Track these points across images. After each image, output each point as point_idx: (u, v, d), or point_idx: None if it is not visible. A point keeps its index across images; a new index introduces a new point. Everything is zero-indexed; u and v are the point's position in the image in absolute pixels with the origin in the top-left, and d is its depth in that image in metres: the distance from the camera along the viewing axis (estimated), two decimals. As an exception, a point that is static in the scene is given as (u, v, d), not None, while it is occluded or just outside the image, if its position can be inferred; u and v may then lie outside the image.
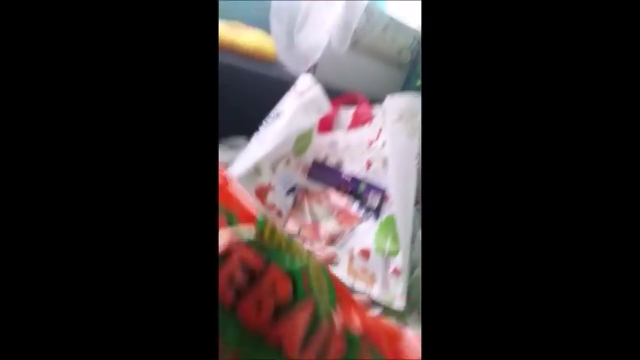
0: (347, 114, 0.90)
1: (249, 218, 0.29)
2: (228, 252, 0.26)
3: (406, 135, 0.71)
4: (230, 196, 0.31)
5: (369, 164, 0.77)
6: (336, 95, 0.92)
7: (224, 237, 0.26)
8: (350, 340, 0.28)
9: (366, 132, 0.85)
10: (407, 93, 0.78)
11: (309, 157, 0.83)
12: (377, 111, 0.81)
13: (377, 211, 0.73)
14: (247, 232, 0.28)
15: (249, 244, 0.27)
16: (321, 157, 0.84)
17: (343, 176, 0.78)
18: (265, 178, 0.76)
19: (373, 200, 0.73)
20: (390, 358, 0.30)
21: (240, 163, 0.77)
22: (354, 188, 0.76)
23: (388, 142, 0.72)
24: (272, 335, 0.25)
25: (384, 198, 0.72)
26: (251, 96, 0.94)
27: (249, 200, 0.31)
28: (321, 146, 0.86)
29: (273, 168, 0.79)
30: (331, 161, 0.83)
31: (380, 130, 0.77)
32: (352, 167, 0.81)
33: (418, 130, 0.72)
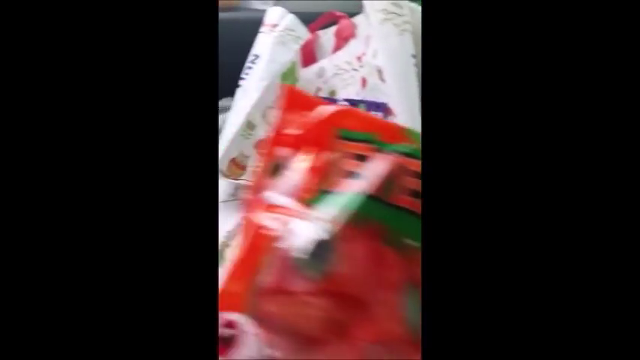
0: (328, 36, 0.81)
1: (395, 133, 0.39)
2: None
3: (397, 34, 0.62)
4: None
5: (364, 82, 0.69)
6: (311, 21, 0.82)
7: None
8: None
9: (353, 47, 0.76)
10: (386, -12, 0.67)
11: (300, 95, 0.77)
12: (359, 20, 0.72)
13: (384, 130, 0.67)
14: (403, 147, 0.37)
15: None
16: (311, 92, 0.77)
17: (339, 104, 0.71)
18: (260, 131, 0.71)
19: (376, 119, 0.67)
20: None
21: (230, 123, 0.73)
22: (354, 113, 0.70)
23: (379, 48, 0.64)
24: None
25: (386, 113, 0.65)
26: (224, 48, 0.87)
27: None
28: (309, 80, 0.79)
29: (266, 116, 0.74)
30: (323, 94, 0.76)
31: (367, 38, 0.68)
32: (347, 92, 0.73)
33: (408, 25, 0.63)
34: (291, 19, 0.71)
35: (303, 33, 0.71)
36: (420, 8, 0.79)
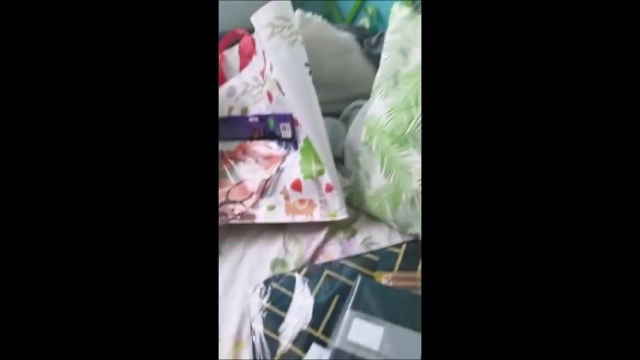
0: (233, 55, 0.82)
1: None
2: None
3: (286, 46, 0.63)
4: None
5: (269, 96, 0.70)
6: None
7: None
8: None
9: (255, 64, 0.77)
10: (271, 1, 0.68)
11: (213, 118, 0.77)
12: (256, 36, 0.73)
13: (294, 141, 0.68)
14: None
15: None
16: (225, 112, 0.78)
17: (250, 120, 0.72)
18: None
19: (285, 131, 0.68)
20: None
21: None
22: (265, 127, 0.71)
23: (273, 61, 0.65)
24: None
25: (293, 124, 0.67)
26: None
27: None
28: (222, 100, 0.79)
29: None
30: (236, 112, 0.77)
31: (263, 53, 0.69)
32: (258, 107, 0.75)
33: (296, 35, 0.64)
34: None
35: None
36: (312, 15, 0.81)
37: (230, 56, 0.81)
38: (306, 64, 0.64)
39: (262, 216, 0.63)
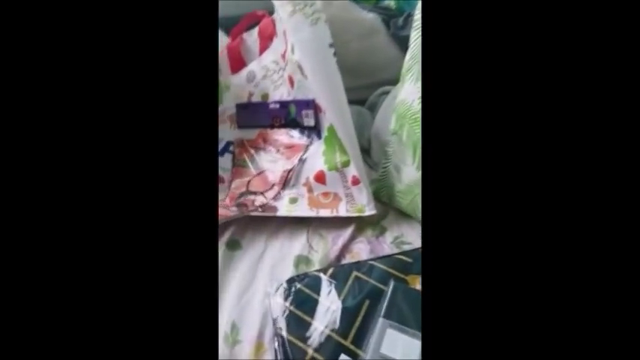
0: (252, 38, 0.77)
1: None
2: None
3: (308, 24, 0.58)
4: None
5: (291, 81, 0.66)
6: (233, 24, 0.78)
7: None
8: None
9: (276, 47, 0.73)
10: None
11: (231, 105, 0.74)
12: (277, 16, 0.68)
13: (317, 129, 0.64)
14: None
15: None
16: (244, 98, 0.74)
17: (271, 107, 0.68)
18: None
19: (308, 119, 0.64)
20: None
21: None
22: (286, 114, 0.67)
23: (294, 41, 0.60)
24: None
25: (317, 110, 0.62)
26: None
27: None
28: (241, 86, 0.75)
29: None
30: (256, 98, 0.73)
31: (284, 33, 0.64)
32: (280, 93, 0.70)
33: (319, 13, 0.59)
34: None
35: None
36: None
37: (249, 39, 0.77)
38: (330, 45, 0.59)
39: (284, 209, 0.59)
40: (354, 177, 0.57)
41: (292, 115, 0.66)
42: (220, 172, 0.68)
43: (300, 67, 0.61)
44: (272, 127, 0.70)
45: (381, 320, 0.38)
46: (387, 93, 0.75)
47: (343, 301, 0.43)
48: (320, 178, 0.60)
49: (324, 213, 0.58)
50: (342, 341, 0.39)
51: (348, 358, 0.37)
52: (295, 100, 0.66)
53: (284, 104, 0.67)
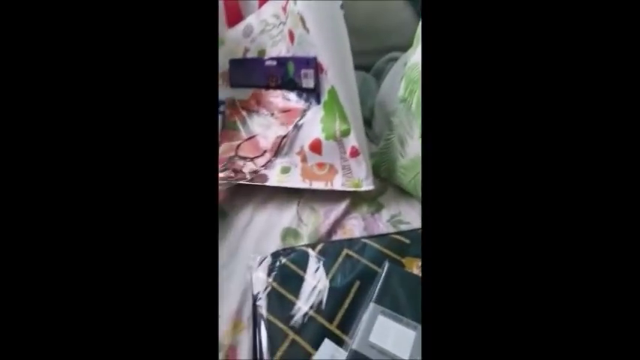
0: (252, -12, 0.70)
1: None
2: None
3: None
4: None
5: (291, 36, 0.59)
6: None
7: None
8: None
9: (277, -3, 0.66)
10: None
11: (224, 62, 0.67)
12: (280, -37, 0.61)
13: (316, 92, 0.58)
14: None
15: None
16: (239, 54, 0.67)
17: (267, 64, 0.62)
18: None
19: (307, 79, 0.58)
20: None
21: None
22: (283, 74, 0.61)
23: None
24: None
25: (317, 70, 0.56)
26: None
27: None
28: (236, 41, 0.69)
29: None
30: (252, 54, 0.66)
31: (289, -18, 0.57)
32: (278, 49, 0.64)
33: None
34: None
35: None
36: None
37: (249, -11, 0.69)
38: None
39: (275, 178, 0.55)
40: (353, 148, 0.52)
41: (290, 74, 0.60)
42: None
43: (302, 19, 0.54)
44: (267, 87, 0.64)
45: (372, 305, 0.35)
46: (395, 59, 0.69)
47: (331, 281, 0.39)
48: (316, 147, 0.54)
49: (318, 185, 0.53)
50: (327, 325, 0.36)
51: (332, 343, 0.34)
52: (294, 57, 0.59)
53: (282, 61, 0.61)
